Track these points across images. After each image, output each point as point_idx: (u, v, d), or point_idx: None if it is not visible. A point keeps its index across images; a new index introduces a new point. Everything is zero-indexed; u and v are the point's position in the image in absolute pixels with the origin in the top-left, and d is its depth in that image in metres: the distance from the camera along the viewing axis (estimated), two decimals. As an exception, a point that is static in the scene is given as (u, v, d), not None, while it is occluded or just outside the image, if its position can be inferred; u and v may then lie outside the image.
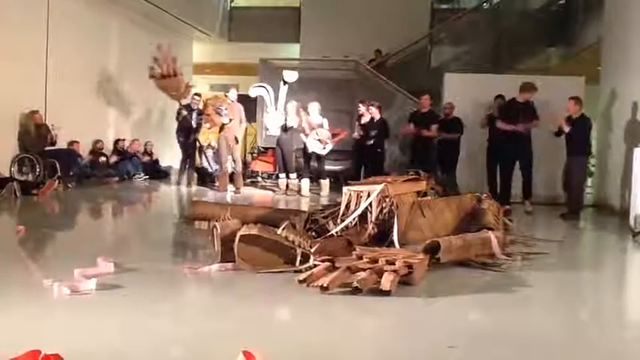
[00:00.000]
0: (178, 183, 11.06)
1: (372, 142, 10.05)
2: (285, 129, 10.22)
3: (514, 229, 6.14)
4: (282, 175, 10.42)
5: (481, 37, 14.57)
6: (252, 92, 11.07)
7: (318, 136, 9.94)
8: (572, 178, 8.60)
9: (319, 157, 10.14)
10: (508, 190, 8.72)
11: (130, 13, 12.60)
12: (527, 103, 8.63)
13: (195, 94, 11.51)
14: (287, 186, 10.26)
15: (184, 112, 10.91)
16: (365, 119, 10.51)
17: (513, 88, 9.10)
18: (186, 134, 11.06)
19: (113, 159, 11.96)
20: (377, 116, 10.28)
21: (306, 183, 10.10)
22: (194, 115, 10.97)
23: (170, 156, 13.13)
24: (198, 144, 11.59)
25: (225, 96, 10.40)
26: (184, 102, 11.05)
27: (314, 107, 10.22)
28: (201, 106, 11.03)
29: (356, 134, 10.57)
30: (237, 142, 10.20)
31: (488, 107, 9.60)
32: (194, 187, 10.94)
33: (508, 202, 8.31)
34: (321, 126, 10.13)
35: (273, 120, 10.31)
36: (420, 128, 10.02)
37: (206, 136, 12.40)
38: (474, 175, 10.07)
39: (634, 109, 8.72)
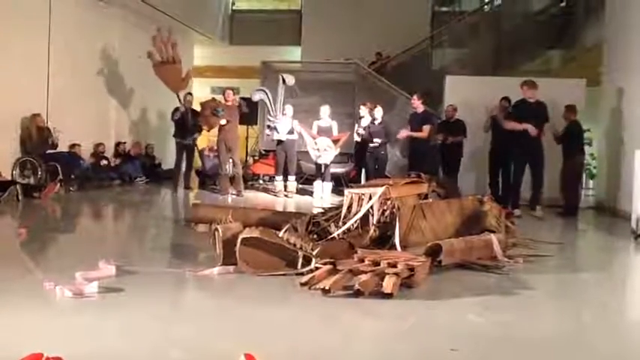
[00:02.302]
0: (175, 186, 10.75)
1: (378, 143, 10.04)
2: (291, 132, 10.28)
3: (516, 231, 6.14)
4: (279, 178, 10.47)
5: (482, 39, 14.58)
6: (255, 96, 11.08)
7: (317, 146, 10.01)
8: (566, 178, 8.90)
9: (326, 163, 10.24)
10: (517, 193, 8.45)
11: (132, 16, 12.63)
12: (539, 103, 8.34)
13: (188, 93, 11.41)
14: (285, 188, 10.33)
15: (180, 112, 10.73)
16: (365, 121, 10.53)
17: (515, 90, 9.10)
18: (183, 135, 10.86)
19: (114, 162, 11.97)
20: (379, 118, 10.29)
21: (318, 186, 10.18)
22: (189, 115, 10.76)
23: (172, 158, 13.12)
24: (196, 146, 11.42)
25: (225, 100, 10.39)
26: (179, 104, 10.90)
27: (325, 110, 10.34)
28: (195, 106, 11.01)
29: (357, 137, 10.58)
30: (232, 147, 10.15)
31: (492, 109, 9.50)
32: (195, 190, 10.94)
33: (517, 206, 8.22)
34: (329, 129, 10.18)
35: (282, 125, 10.32)
36: (413, 130, 9.89)
37: (206, 139, 12.41)
38: (475, 178, 10.07)
39: (635, 111, 8.72)
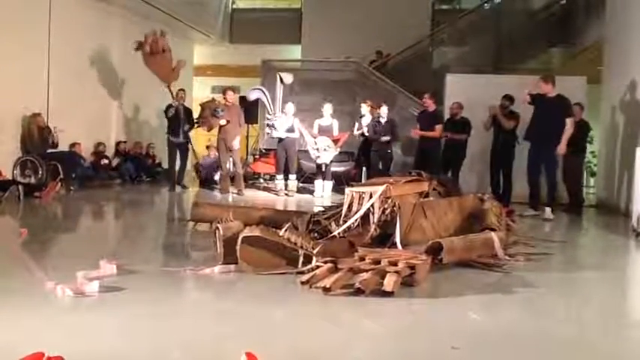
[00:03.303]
0: (173, 185, 10.61)
1: (387, 139, 10.10)
2: (291, 131, 10.29)
3: (517, 229, 6.14)
4: (279, 177, 10.49)
5: (482, 37, 14.58)
6: (251, 95, 11.08)
7: (317, 145, 10.03)
8: (572, 175, 8.89)
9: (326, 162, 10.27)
10: (536, 192, 8.19)
11: (132, 15, 12.63)
12: (560, 97, 7.97)
13: (181, 89, 11.32)
14: (286, 187, 10.35)
15: (174, 108, 10.49)
16: (366, 120, 10.56)
17: (515, 88, 9.09)
18: (176, 133, 10.61)
19: (115, 161, 11.98)
20: (385, 117, 10.37)
21: (319, 184, 10.18)
22: (182, 112, 10.59)
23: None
24: (190, 145, 11.20)
25: (225, 98, 10.39)
26: (171, 99, 10.76)
27: (327, 109, 10.40)
28: (187, 102, 10.95)
29: (356, 132, 10.62)
30: (233, 148, 10.10)
31: (492, 108, 9.41)
32: (192, 189, 10.94)
33: (535, 207, 8.10)
34: (330, 127, 10.19)
35: (280, 123, 10.33)
36: (423, 129, 9.96)
37: (206, 139, 12.42)
38: (477, 176, 10.06)
39: (636, 109, 8.72)
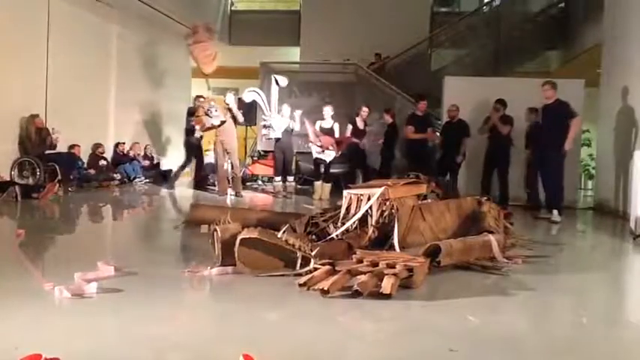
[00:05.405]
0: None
1: (380, 141, 10.26)
2: (289, 132, 10.30)
3: (514, 231, 6.15)
4: (278, 179, 10.50)
5: (481, 40, 14.61)
6: (247, 97, 11.10)
7: (320, 143, 10.05)
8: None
9: (325, 162, 10.29)
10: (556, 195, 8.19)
11: (130, 16, 12.63)
12: (560, 103, 8.04)
13: (198, 95, 11.46)
14: (285, 188, 10.35)
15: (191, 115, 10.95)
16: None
17: (513, 91, 9.09)
18: (194, 135, 11.11)
19: (113, 163, 11.97)
20: (389, 121, 10.47)
21: (317, 186, 10.19)
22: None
23: (171, 159, 13.14)
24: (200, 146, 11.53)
25: (225, 102, 10.42)
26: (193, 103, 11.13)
27: (327, 111, 10.45)
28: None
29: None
30: (231, 149, 10.17)
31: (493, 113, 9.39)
32: (192, 190, 10.96)
33: (559, 210, 8.07)
34: (331, 129, 10.21)
35: (277, 123, 10.34)
36: (419, 131, 10.10)
37: (206, 141, 12.44)
38: (475, 178, 10.06)
39: (634, 112, 8.73)
